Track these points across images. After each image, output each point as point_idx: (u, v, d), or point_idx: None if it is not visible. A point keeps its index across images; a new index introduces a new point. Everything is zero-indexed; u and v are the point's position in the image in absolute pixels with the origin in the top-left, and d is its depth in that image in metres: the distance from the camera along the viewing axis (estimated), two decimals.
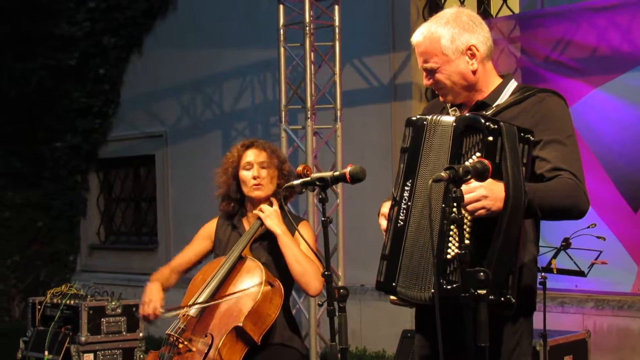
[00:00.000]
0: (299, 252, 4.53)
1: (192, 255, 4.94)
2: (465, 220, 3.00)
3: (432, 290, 3.10)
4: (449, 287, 3.06)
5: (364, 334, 8.95)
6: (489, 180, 2.98)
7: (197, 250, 4.93)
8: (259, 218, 4.67)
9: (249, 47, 10.07)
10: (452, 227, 3.05)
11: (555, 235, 6.07)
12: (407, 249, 3.22)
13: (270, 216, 4.62)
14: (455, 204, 2.91)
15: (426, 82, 3.40)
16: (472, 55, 3.32)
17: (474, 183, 2.97)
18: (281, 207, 4.65)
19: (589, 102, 7.36)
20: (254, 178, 4.67)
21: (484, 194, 2.97)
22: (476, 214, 2.99)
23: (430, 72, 3.35)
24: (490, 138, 2.99)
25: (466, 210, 2.98)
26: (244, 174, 4.69)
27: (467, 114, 3.12)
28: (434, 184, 2.93)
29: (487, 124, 3.01)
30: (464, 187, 2.95)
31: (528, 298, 3.33)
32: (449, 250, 3.07)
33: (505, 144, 3.00)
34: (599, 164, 7.28)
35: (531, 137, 3.10)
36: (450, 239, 3.07)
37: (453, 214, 2.91)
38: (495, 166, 2.99)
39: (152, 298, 4.63)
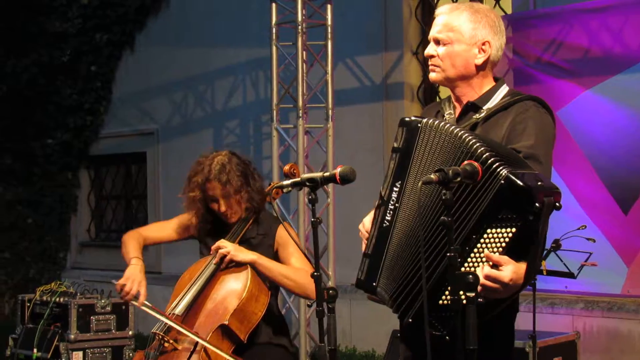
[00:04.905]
0: (283, 268, 4.55)
1: (168, 235, 4.95)
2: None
3: (410, 320, 3.16)
4: (434, 332, 3.06)
5: (354, 333, 8.94)
6: (517, 266, 2.94)
7: (177, 233, 4.94)
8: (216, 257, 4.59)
9: (241, 46, 10.05)
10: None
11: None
12: (391, 252, 3.22)
13: (235, 251, 4.55)
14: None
15: (428, 51, 3.41)
16: (483, 51, 3.34)
17: (508, 262, 2.94)
18: (258, 212, 4.70)
19: (580, 104, 7.36)
20: (223, 212, 4.67)
21: (507, 281, 2.93)
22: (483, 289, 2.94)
23: (437, 43, 3.37)
24: (531, 217, 2.91)
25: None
26: (214, 206, 4.70)
27: (519, 182, 2.92)
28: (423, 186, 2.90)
29: (536, 205, 2.88)
30: (497, 257, 2.94)
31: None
32: (444, 297, 3.07)
33: (540, 224, 2.92)
34: (590, 166, 7.28)
35: (559, 205, 2.99)
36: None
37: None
38: (525, 246, 2.95)
39: (137, 279, 4.58)
